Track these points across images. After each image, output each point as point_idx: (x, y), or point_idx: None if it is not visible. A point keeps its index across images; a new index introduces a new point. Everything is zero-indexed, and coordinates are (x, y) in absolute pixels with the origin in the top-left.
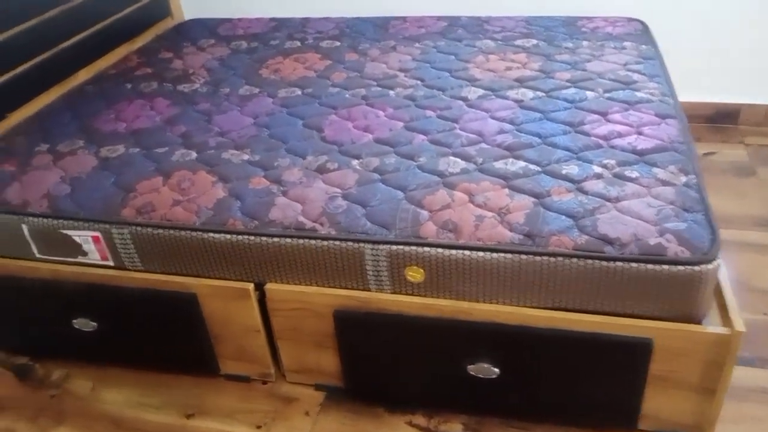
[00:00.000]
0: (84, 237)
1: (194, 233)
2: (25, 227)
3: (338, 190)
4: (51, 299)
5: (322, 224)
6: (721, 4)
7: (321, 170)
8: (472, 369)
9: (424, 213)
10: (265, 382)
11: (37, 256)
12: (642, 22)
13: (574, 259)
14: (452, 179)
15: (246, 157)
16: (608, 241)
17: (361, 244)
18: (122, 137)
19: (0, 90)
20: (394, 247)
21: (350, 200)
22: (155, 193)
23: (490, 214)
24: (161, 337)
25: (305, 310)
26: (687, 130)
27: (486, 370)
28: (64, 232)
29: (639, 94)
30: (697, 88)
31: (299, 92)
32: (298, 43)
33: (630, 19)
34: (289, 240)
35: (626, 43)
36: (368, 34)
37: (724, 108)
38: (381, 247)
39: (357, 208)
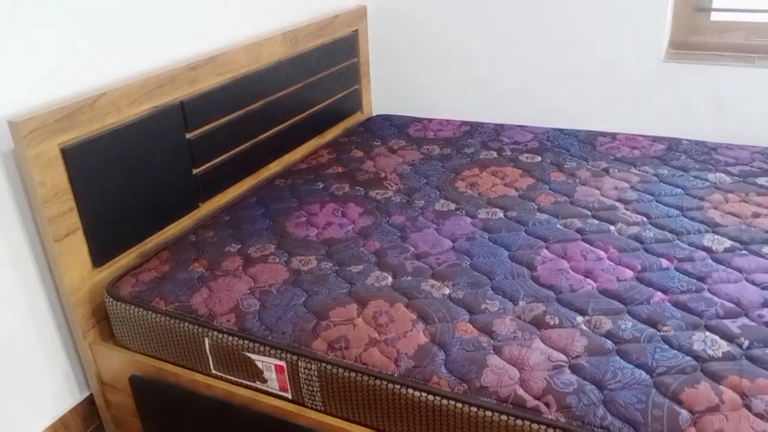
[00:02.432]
0: (267, 364)
1: (391, 385)
2: (207, 340)
3: (563, 358)
4: (218, 419)
5: (547, 405)
6: None
7: (538, 324)
8: None
9: (684, 414)
10: None
11: (213, 371)
12: None
13: None
14: (714, 367)
15: (447, 291)
16: None
17: None
18: (314, 246)
19: (197, 180)
20: None
21: (581, 375)
22: (350, 325)
23: None
24: None
25: None
26: None
27: None
28: (248, 354)
29: None
30: None
31: (501, 214)
32: (495, 154)
33: None
34: (504, 417)
35: None
36: (573, 150)
37: None
38: None
39: (591, 390)
